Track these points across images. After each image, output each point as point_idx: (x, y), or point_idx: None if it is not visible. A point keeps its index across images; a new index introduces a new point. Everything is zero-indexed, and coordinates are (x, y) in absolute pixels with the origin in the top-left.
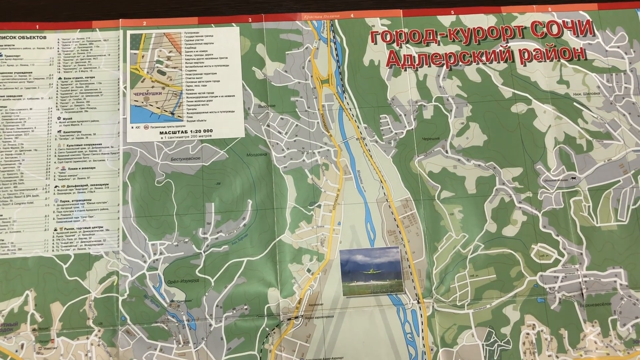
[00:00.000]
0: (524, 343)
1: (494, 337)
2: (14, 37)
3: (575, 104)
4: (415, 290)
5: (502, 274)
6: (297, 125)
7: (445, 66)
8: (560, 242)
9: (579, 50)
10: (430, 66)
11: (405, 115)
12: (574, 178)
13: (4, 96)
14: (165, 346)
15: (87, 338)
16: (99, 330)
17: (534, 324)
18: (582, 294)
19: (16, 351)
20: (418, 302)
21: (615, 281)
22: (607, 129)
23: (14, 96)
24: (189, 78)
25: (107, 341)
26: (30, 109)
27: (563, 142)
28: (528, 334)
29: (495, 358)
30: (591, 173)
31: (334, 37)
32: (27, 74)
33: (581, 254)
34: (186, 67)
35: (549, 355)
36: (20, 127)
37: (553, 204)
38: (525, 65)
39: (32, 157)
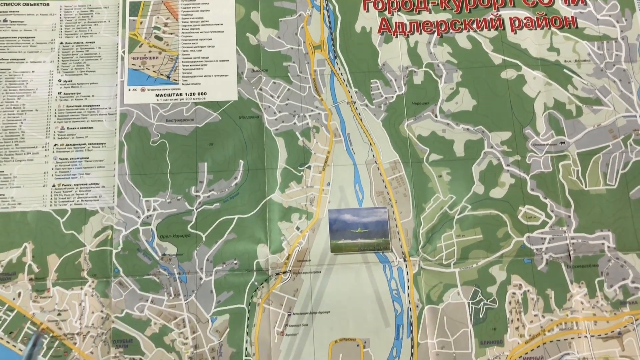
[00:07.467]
0: (510, 302)
1: (480, 296)
2: (19, 4)
3: (565, 70)
4: (401, 249)
5: (489, 235)
6: (289, 89)
7: (436, 33)
8: (548, 205)
9: (570, 19)
10: (421, 33)
11: (395, 80)
12: (563, 142)
13: (7, 59)
14: (157, 298)
15: (81, 288)
16: (93, 282)
17: (520, 284)
18: (570, 255)
19: (13, 299)
20: (404, 260)
21: (603, 243)
22: (597, 95)
23: (17, 59)
24: (185, 43)
25: (100, 292)
26: (33, 71)
27: (552, 108)
28: (514, 293)
29: (480, 316)
30: (580, 138)
31: (326, 4)
32: (30, 38)
33: (569, 216)
34: (182, 33)
35: (535, 315)
36: (23, 88)
37: (541, 168)
38: (515, 33)
39: (33, 117)
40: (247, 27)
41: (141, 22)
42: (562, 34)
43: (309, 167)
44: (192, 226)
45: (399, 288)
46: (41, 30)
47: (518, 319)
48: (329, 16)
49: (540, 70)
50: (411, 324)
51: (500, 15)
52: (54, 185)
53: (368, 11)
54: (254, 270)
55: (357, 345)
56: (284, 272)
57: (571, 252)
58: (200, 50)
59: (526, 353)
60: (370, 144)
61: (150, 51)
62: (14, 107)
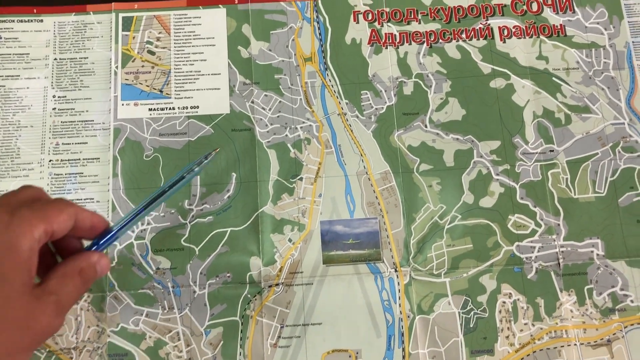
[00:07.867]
0: (500, 311)
1: (470, 305)
2: (13, 21)
3: (554, 78)
4: (393, 259)
5: (479, 244)
6: (280, 101)
7: (425, 44)
8: (538, 213)
9: (559, 27)
10: (410, 44)
11: (385, 91)
12: (552, 151)
13: (2, 76)
14: (151, 311)
15: (77, 303)
16: (88, 296)
17: (510, 293)
18: (559, 263)
19: None
20: (395, 271)
21: (592, 251)
22: (586, 102)
23: (12, 76)
24: (177, 57)
25: (96, 306)
26: (27, 88)
27: (541, 116)
28: (504, 302)
29: (471, 325)
30: (569, 146)
31: (317, 16)
32: (24, 55)
33: (558, 224)
34: (174, 47)
35: (525, 323)
36: (18, 105)
37: (531, 176)
38: (504, 42)
39: (28, 133)
40: (238, 40)
41: (134, 37)
42: (551, 42)
43: (301, 179)
44: (186, 240)
45: (390, 298)
46: (35, 47)
47: (508, 328)
48: (319, 28)
49: (529, 79)
50: (402, 334)
51: (489, 25)
52: None
53: (358, 22)
54: (246, 283)
55: (349, 357)
56: (277, 285)
57: (560, 260)
58: (192, 64)
59: None
60: (361, 155)
61: (143, 66)
62: (9, 124)
